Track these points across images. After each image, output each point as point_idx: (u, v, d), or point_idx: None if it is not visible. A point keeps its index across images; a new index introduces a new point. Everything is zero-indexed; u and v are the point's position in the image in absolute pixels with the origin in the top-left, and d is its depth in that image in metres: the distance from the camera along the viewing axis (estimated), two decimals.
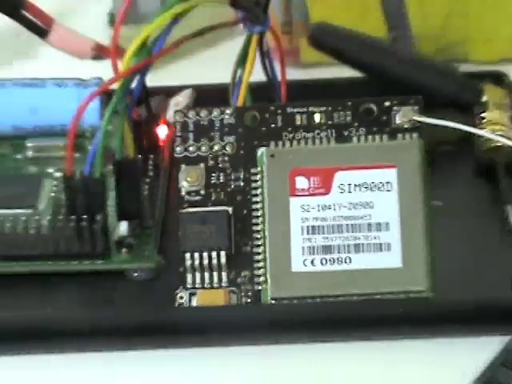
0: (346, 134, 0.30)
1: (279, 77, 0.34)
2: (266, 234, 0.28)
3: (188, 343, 0.28)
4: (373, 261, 0.27)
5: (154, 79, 0.33)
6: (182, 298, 0.29)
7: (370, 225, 0.27)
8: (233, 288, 0.28)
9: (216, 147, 0.30)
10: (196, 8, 0.30)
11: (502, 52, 0.42)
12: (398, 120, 0.29)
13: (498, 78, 0.37)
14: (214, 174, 0.30)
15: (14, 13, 0.35)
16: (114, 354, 0.28)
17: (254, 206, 0.29)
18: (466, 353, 0.27)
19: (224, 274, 0.28)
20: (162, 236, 0.32)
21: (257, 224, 0.29)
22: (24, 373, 0.28)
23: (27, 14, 0.34)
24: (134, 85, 0.30)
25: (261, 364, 0.28)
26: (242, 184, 0.30)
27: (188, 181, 0.30)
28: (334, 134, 0.29)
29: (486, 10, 0.41)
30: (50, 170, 0.34)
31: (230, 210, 0.29)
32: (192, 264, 0.28)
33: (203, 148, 0.30)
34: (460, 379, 0.25)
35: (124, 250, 0.30)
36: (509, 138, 0.32)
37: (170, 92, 0.37)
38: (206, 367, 0.28)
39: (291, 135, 0.30)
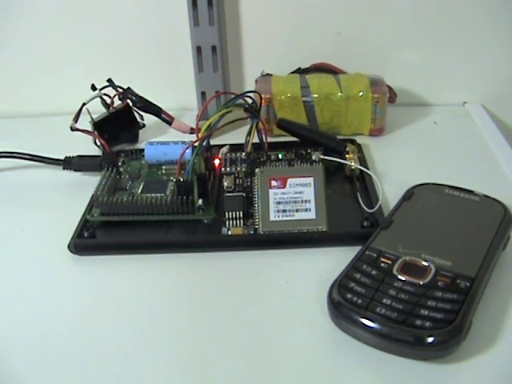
0: (292, 163, 0.48)
1: (264, 139, 0.53)
2: (259, 204, 0.45)
3: (224, 250, 0.44)
4: (302, 215, 0.44)
5: (213, 141, 0.52)
6: (224, 230, 0.45)
7: (301, 200, 0.45)
8: (245, 227, 0.45)
9: (238, 168, 0.49)
10: (229, 112, 0.49)
11: (354, 131, 0.60)
12: (313, 157, 0.49)
13: (352, 141, 0.57)
14: (237, 180, 0.48)
15: (162, 115, 0.55)
16: (197, 255, 0.44)
17: (254, 193, 0.46)
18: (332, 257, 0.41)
19: (241, 221, 0.45)
20: (216, 205, 0.47)
21: (254, 200, 0.46)
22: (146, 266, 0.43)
23: (163, 116, 0.55)
24: (204, 143, 0.47)
25: (256, 257, 0.44)
26: (249, 184, 0.47)
27: (227, 182, 0.48)
28: (287, 163, 0.48)
29: (348, 114, 0.59)
30: (171, 177, 0.49)
31: (244, 194, 0.46)
32: (228, 216, 0.45)
33: (233, 169, 0.49)
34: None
35: (200, 210, 0.46)
36: (356, 165, 0.50)
37: (220, 146, 0.52)
38: (231, 261, 0.43)
39: (269, 163, 0.49)
